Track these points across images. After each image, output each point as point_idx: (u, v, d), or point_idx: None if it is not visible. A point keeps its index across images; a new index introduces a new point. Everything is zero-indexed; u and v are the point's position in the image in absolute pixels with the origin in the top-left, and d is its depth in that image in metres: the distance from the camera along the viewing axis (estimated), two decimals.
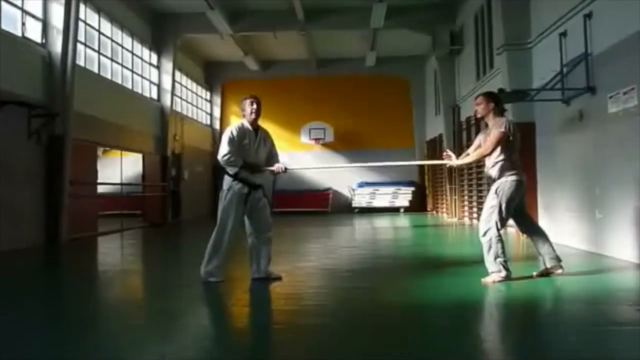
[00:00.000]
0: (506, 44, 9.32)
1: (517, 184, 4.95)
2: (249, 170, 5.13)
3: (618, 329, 3.54)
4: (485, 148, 5.03)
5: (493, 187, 5.01)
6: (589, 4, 7.00)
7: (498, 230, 4.93)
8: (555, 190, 8.28)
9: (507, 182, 4.93)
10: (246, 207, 5.16)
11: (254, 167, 5.16)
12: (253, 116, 5.20)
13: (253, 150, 5.18)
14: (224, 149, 5.05)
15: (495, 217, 4.92)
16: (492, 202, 4.98)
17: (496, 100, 5.16)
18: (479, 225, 5.14)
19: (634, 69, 5.90)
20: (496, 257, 4.91)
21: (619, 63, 6.29)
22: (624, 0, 6.22)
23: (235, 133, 5.11)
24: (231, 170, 5.10)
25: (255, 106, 5.20)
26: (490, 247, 4.93)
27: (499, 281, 4.90)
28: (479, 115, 5.24)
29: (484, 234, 4.97)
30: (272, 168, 5.25)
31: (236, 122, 5.30)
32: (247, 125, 5.21)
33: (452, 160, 5.26)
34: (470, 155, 5.23)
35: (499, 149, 4.96)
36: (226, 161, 5.06)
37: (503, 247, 4.95)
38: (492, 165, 5.01)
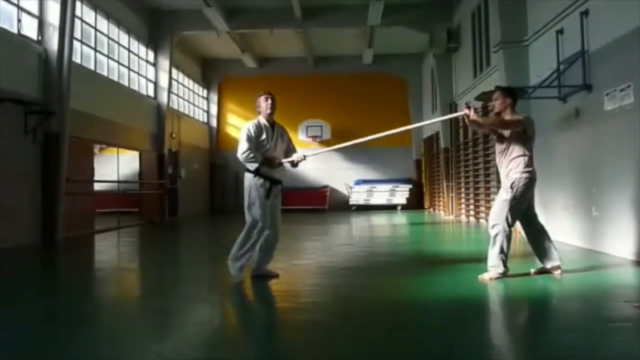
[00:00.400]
0: (503, 41, 9.32)
1: (531, 180, 4.97)
2: (269, 165, 5.14)
3: (615, 326, 3.55)
4: (505, 120, 5.01)
5: (507, 182, 5.00)
6: (585, 1, 7.01)
7: (508, 225, 4.95)
8: (551, 187, 8.29)
9: (522, 178, 4.94)
10: (269, 201, 5.16)
11: (273, 162, 5.18)
12: (269, 111, 5.22)
13: (272, 145, 5.20)
14: (243, 146, 5.05)
15: (506, 211, 4.93)
16: (505, 196, 4.98)
17: (513, 96, 5.18)
18: (489, 218, 5.16)
19: (630, 66, 5.91)
20: (500, 251, 4.93)
21: (616, 60, 6.30)
22: None
23: (252, 130, 5.11)
24: (251, 166, 5.10)
25: (270, 102, 5.23)
26: (496, 240, 4.95)
27: (496, 278, 4.91)
28: (495, 111, 5.22)
29: (493, 227, 5.00)
30: (291, 159, 5.27)
31: (252, 120, 5.29)
32: (264, 121, 5.22)
33: (471, 113, 5.08)
34: (490, 118, 5.17)
35: (517, 144, 4.96)
36: (246, 158, 5.06)
37: (509, 244, 4.96)
38: (510, 160, 5.00)
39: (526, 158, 4.98)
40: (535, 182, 5.04)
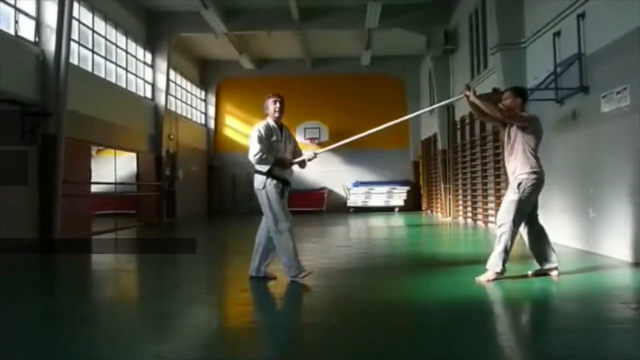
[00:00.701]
0: (500, 43, 9.35)
1: (539, 182, 5.00)
2: (281, 166, 5.14)
3: (613, 327, 3.56)
4: (504, 113, 5.07)
5: (514, 182, 5.02)
6: (582, 4, 7.04)
7: (515, 225, 4.96)
8: (549, 189, 8.24)
9: (529, 179, 4.96)
10: (284, 200, 5.14)
11: (285, 163, 5.18)
12: (277, 114, 5.23)
13: (282, 147, 5.21)
14: (255, 147, 5.04)
15: (513, 211, 4.95)
16: (512, 196, 5.00)
17: (523, 96, 5.21)
18: (497, 217, 5.18)
19: (626, 68, 5.94)
20: (503, 250, 4.94)
21: (612, 63, 6.33)
22: (617, 1, 6.26)
23: (263, 131, 5.11)
24: (263, 168, 5.07)
25: (278, 105, 5.23)
26: (501, 240, 4.96)
27: (493, 279, 4.92)
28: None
29: (500, 226, 5.02)
30: (302, 158, 5.29)
31: (261, 122, 5.26)
32: (272, 123, 5.23)
33: (470, 94, 5.11)
34: (488, 105, 5.22)
35: (523, 143, 4.98)
36: (259, 159, 5.04)
37: (512, 244, 4.97)
38: (517, 159, 5.03)
39: (532, 158, 5.00)
40: (543, 183, 5.05)
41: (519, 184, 4.97)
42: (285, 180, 5.20)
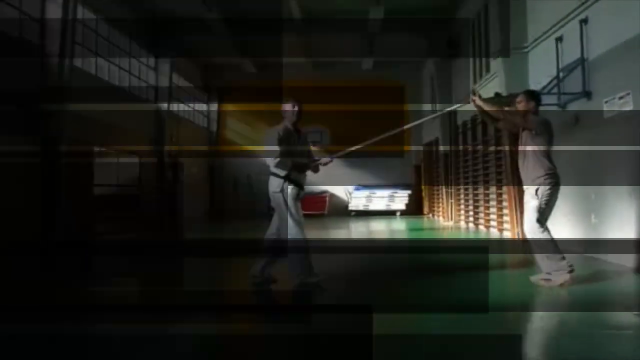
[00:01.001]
0: (502, 48, 9.36)
1: (555, 183, 5.00)
2: (298, 170, 5.13)
3: (616, 333, 3.55)
4: (506, 114, 5.13)
5: (532, 188, 5.02)
6: (585, 9, 7.06)
7: (543, 227, 4.94)
8: None
9: (545, 182, 4.96)
10: (299, 203, 5.14)
11: (302, 167, 5.18)
12: (295, 118, 5.24)
13: (299, 151, 5.21)
14: (274, 150, 5.00)
15: (537, 217, 4.94)
16: (533, 203, 5.00)
17: (536, 100, 5.22)
18: (524, 227, 5.17)
19: (629, 73, 5.94)
20: (552, 252, 4.90)
21: (615, 68, 6.33)
22: (620, 7, 6.28)
23: (282, 134, 5.09)
24: (281, 171, 5.04)
25: (297, 109, 5.24)
26: (540, 248, 4.94)
27: (568, 280, 4.86)
28: None
29: (531, 236, 5.00)
30: (319, 162, 5.30)
31: (279, 125, 5.22)
32: (290, 126, 5.23)
33: (476, 98, 5.21)
34: (492, 107, 5.24)
35: (534, 146, 4.99)
36: (277, 162, 5.00)
37: (555, 244, 4.94)
38: (530, 163, 5.03)
39: (546, 161, 5.00)
40: (559, 184, 5.03)
41: (537, 190, 4.97)
42: (301, 185, 5.20)
